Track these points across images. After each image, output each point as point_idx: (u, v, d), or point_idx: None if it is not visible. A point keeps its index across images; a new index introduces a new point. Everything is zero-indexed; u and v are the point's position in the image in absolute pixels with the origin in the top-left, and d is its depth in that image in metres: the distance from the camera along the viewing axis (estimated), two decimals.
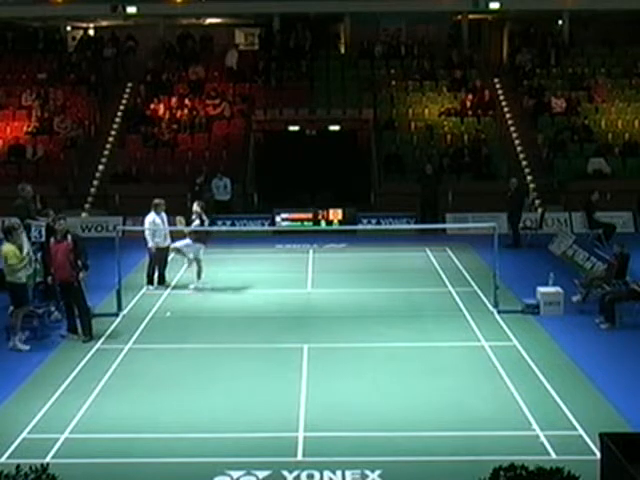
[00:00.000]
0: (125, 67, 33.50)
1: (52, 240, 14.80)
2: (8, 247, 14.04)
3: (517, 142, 29.82)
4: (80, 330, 14.46)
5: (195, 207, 18.35)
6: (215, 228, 18.40)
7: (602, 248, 20.31)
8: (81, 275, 14.64)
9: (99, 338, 14.52)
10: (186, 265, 18.65)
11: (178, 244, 18.33)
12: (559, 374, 12.47)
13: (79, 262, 14.66)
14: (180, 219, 19.00)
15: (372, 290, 18.14)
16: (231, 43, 34.69)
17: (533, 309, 15.84)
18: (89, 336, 14.37)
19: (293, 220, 25.12)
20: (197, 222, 18.12)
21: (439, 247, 22.56)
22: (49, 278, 15.14)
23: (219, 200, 26.24)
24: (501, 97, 31.97)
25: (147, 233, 18.17)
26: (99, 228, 25.80)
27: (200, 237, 18.24)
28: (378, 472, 9.41)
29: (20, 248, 14.20)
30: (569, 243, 20.53)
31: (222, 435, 10.47)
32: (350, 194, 26.93)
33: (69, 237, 14.55)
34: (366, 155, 29.18)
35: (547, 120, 29.62)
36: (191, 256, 18.23)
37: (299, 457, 9.84)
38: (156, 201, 18.34)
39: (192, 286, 18.11)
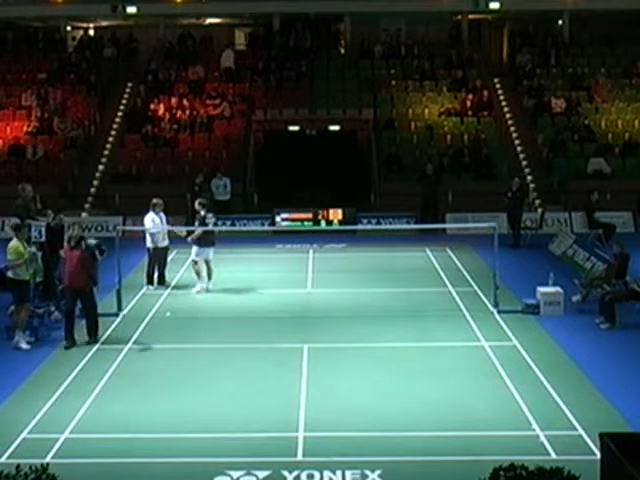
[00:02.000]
0: (125, 67, 33.52)
1: (66, 245, 14.66)
2: (14, 243, 14.18)
3: (517, 142, 29.80)
4: (85, 332, 14.33)
5: (196, 206, 18.15)
6: (215, 228, 18.24)
7: (602, 248, 20.31)
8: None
9: (99, 338, 14.50)
10: (196, 269, 18.03)
11: (193, 256, 18.03)
12: (559, 374, 12.48)
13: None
14: (180, 229, 18.92)
15: (372, 290, 18.14)
16: (228, 43, 34.60)
17: (533, 309, 15.84)
18: (94, 338, 14.29)
19: (293, 220, 25.10)
20: (198, 230, 17.73)
21: (439, 247, 22.56)
22: (57, 282, 14.80)
23: (219, 200, 26.21)
24: (501, 97, 31.97)
25: (146, 233, 18.16)
26: (99, 228, 25.79)
27: (205, 239, 17.79)
28: (378, 472, 9.41)
29: (25, 246, 14.26)
30: (569, 243, 20.53)
31: (222, 435, 10.47)
32: (350, 194, 26.91)
33: (83, 244, 14.28)
34: (366, 155, 29.18)
35: (547, 120, 29.62)
36: (201, 259, 17.88)
37: (299, 457, 9.85)
38: (154, 201, 18.32)
39: (200, 287, 17.89)
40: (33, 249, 14.92)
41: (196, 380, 12.47)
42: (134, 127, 29.72)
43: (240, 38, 37.69)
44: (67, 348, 13.92)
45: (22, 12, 33.72)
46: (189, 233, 18.32)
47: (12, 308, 15.07)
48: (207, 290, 17.87)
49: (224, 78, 31.94)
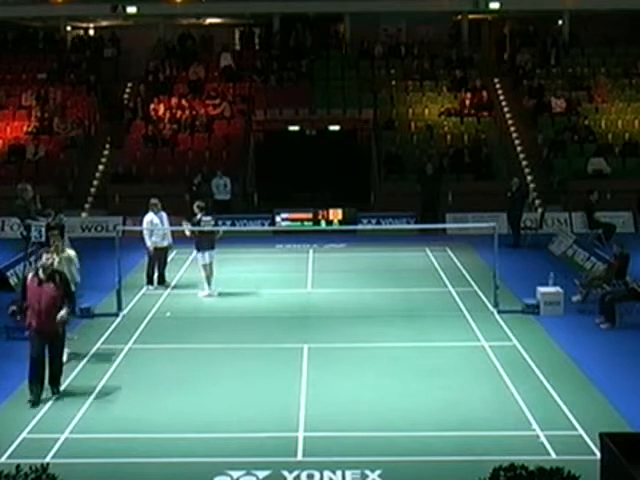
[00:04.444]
0: (125, 67, 33.57)
1: (31, 277, 11.59)
2: (70, 253, 13.82)
3: (517, 142, 29.82)
4: (48, 383, 11.76)
5: (195, 209, 17.82)
6: (215, 228, 18.19)
7: (602, 248, 20.30)
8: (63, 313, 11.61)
9: (99, 338, 14.51)
10: (202, 272, 17.73)
11: (199, 262, 17.69)
12: (559, 374, 12.48)
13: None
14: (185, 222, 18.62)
15: (372, 290, 18.13)
16: (228, 44, 34.53)
17: (533, 309, 15.85)
18: (58, 389, 11.82)
19: (293, 220, 25.13)
20: (188, 225, 17.68)
21: (439, 247, 22.56)
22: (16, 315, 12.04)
23: (219, 200, 26.22)
24: (501, 97, 31.98)
25: (145, 233, 18.14)
26: (99, 228, 25.81)
27: (202, 242, 17.52)
28: (378, 472, 9.41)
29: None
30: (569, 243, 20.55)
31: (222, 435, 10.47)
32: (350, 194, 26.92)
33: (57, 277, 11.55)
34: (366, 155, 29.17)
35: (547, 120, 29.61)
36: (204, 262, 17.59)
37: (299, 457, 9.85)
38: (152, 201, 18.32)
39: (208, 292, 17.61)
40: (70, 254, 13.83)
41: (196, 380, 12.47)
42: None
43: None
44: (34, 404, 11.36)
45: (22, 12, 33.72)
46: (193, 233, 18.16)
47: (12, 308, 15.07)
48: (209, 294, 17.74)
49: (224, 78, 31.91)
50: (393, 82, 31.76)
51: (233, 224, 24.75)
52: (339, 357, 13.50)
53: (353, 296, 17.65)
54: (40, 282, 11.40)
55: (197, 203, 18.03)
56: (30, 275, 11.70)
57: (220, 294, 17.64)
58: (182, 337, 14.72)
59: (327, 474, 9.40)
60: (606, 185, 25.70)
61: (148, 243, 18.11)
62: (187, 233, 17.97)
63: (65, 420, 10.86)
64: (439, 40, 34.85)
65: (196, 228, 17.54)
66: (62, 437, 10.39)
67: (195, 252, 17.91)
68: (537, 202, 26.93)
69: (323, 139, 29.18)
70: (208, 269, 17.63)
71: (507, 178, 25.61)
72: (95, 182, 28.57)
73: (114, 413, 11.19)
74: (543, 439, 10.18)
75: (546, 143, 28.60)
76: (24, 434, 10.49)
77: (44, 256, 11.71)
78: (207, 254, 17.54)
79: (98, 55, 33.67)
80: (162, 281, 18.44)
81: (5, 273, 16.76)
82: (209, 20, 36.46)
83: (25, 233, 17.07)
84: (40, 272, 11.48)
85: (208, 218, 17.80)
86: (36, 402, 11.39)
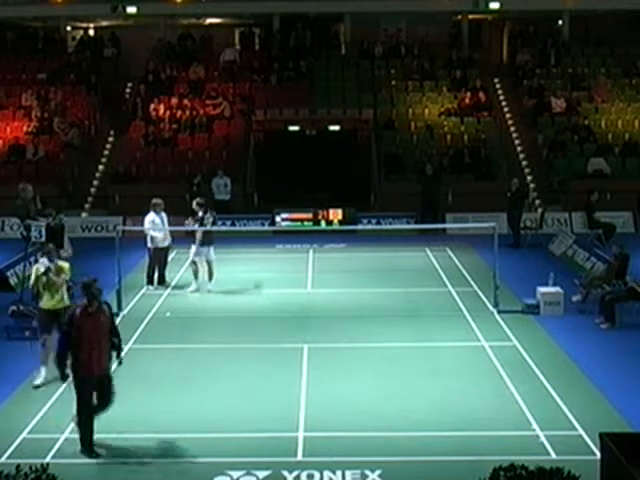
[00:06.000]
0: (125, 67, 33.58)
1: (80, 311, 9.94)
2: (36, 265, 13.50)
3: (517, 142, 29.82)
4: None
5: (194, 207, 17.97)
6: (215, 228, 18.20)
7: (602, 248, 20.30)
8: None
9: None
10: (194, 269, 17.94)
11: (191, 256, 17.99)
12: (559, 374, 12.48)
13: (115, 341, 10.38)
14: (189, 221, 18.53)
15: (372, 290, 18.13)
16: (228, 44, 34.51)
17: (533, 309, 15.85)
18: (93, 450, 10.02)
19: (293, 220, 25.13)
20: (199, 234, 17.70)
21: (439, 247, 22.56)
22: (68, 372, 10.08)
23: (219, 200, 26.20)
24: (501, 97, 31.98)
25: (149, 232, 18.12)
26: (99, 228, 25.81)
27: (203, 238, 17.75)
28: (378, 472, 9.41)
29: (46, 271, 12.56)
30: (569, 243, 20.56)
31: (222, 435, 10.47)
32: (350, 194, 26.93)
33: (105, 308, 10.13)
34: (366, 155, 29.16)
35: (547, 120, 29.61)
36: (201, 259, 17.82)
37: (299, 457, 9.85)
38: (154, 201, 18.30)
39: (194, 287, 17.95)
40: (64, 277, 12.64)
41: (196, 380, 12.48)
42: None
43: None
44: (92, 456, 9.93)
45: (22, 12, 33.71)
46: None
47: (12, 308, 15.06)
48: (208, 291, 17.84)
49: (225, 76, 31.88)
50: (393, 82, 31.76)
51: (233, 224, 24.73)
52: (339, 357, 13.50)
53: (353, 296, 17.66)
54: (90, 314, 9.93)
55: (197, 201, 18.11)
56: (78, 311, 9.97)
57: (210, 291, 17.74)
58: (182, 337, 14.73)
59: (327, 474, 9.40)
60: (606, 185, 25.68)
61: (149, 243, 18.07)
62: (194, 226, 17.94)
63: (65, 420, 10.83)
64: (439, 40, 34.81)
65: (200, 228, 17.59)
66: (62, 437, 10.39)
67: (194, 247, 17.84)
68: (537, 202, 26.92)
69: (323, 139, 29.16)
70: (199, 265, 17.82)
71: (507, 178, 25.62)
72: (95, 182, 28.56)
73: (114, 413, 11.13)
74: (543, 439, 10.19)
75: (546, 143, 28.60)
76: (24, 434, 10.50)
77: (94, 285, 9.94)
78: (205, 250, 17.68)
79: (98, 55, 33.67)
80: (162, 281, 18.44)
81: (5, 273, 16.75)
82: (209, 20, 36.44)
83: (25, 233, 17.08)
84: (90, 303, 9.93)
85: (207, 215, 17.92)
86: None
